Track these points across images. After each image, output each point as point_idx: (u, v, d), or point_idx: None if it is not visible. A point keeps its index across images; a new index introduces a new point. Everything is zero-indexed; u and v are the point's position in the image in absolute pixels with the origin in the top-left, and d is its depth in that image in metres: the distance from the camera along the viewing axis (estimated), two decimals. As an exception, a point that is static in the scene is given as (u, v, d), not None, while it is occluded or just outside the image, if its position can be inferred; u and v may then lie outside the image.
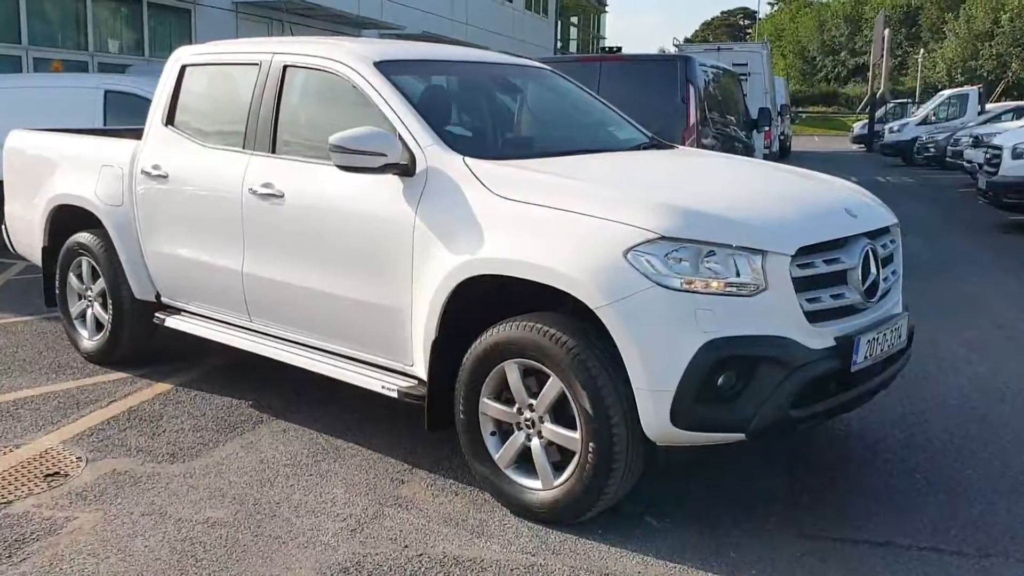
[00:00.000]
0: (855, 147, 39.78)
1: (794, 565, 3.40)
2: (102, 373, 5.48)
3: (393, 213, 3.96)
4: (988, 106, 27.84)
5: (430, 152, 3.95)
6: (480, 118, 4.71)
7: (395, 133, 4.02)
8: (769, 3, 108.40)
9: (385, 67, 4.29)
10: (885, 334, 3.74)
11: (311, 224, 4.32)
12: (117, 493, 3.92)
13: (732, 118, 11.39)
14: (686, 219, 3.38)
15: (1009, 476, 4.20)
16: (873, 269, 3.72)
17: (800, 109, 68.63)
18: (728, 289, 3.33)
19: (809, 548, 3.52)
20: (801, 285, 3.44)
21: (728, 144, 10.90)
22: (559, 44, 37.52)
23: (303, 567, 3.35)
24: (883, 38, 50.75)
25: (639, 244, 3.34)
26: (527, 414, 3.67)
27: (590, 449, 3.46)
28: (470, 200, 3.78)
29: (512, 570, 3.33)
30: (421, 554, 3.44)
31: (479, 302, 3.79)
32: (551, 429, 3.60)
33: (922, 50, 59.39)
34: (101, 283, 5.48)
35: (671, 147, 5.06)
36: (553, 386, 3.54)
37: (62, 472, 4.12)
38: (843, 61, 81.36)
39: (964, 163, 17.10)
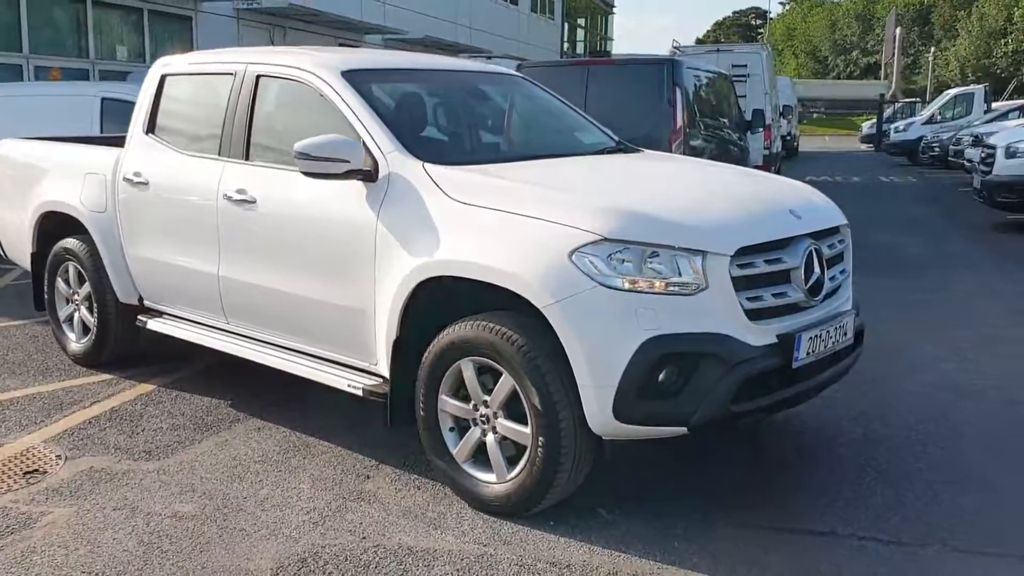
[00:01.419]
0: (864, 147, 39.77)
1: (735, 554, 3.52)
2: (88, 375, 5.65)
3: (356, 218, 4.11)
4: (996, 104, 27.80)
5: (392, 158, 4.10)
6: (445, 125, 4.85)
7: (359, 140, 4.17)
8: (780, 3, 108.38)
9: (351, 76, 4.44)
10: (829, 331, 3.86)
11: (281, 229, 4.47)
12: (92, 489, 4.07)
13: (725, 120, 11.49)
14: (628, 221, 3.51)
15: (958, 470, 4.31)
16: (817, 269, 3.84)
17: (811, 109, 68.58)
18: (669, 288, 3.46)
19: (751, 537, 3.65)
20: (741, 284, 3.56)
21: (720, 146, 11.02)
22: (566, 46, 37.64)
23: (263, 557, 3.49)
24: (895, 37, 50.58)
25: (583, 246, 3.47)
26: (482, 410, 3.80)
27: (539, 444, 3.59)
28: (428, 205, 3.92)
29: (463, 559, 3.47)
30: (377, 545, 3.58)
31: (441, 303, 3.92)
32: (504, 424, 3.73)
33: (934, 48, 59.23)
34: (87, 287, 5.65)
35: (636, 151, 5.18)
36: (505, 383, 3.67)
37: (41, 469, 4.28)
38: (855, 60, 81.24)
39: (965, 162, 17.14)
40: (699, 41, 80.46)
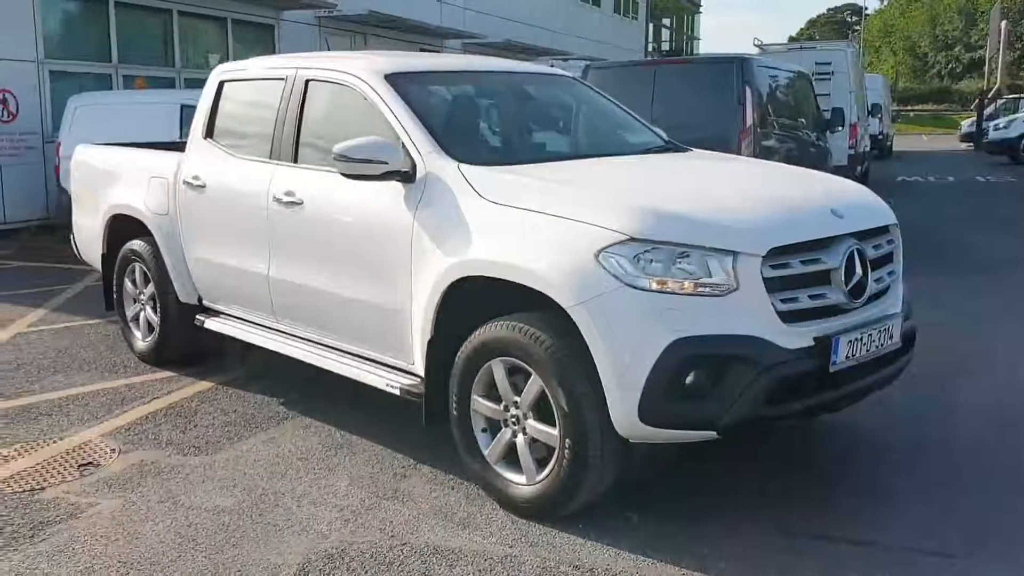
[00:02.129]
0: (963, 145, 38.37)
1: (766, 561, 3.43)
2: (151, 372, 5.83)
3: (395, 218, 4.15)
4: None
5: (429, 159, 4.12)
6: (486, 126, 4.86)
7: (399, 141, 4.21)
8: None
9: (394, 79, 4.48)
10: (871, 335, 3.73)
11: (326, 229, 4.54)
12: (140, 482, 4.20)
13: (802, 120, 11.24)
14: (656, 221, 3.46)
15: (1018, 478, 4.12)
16: (859, 270, 3.71)
17: (908, 108, 66.52)
18: (698, 290, 3.40)
19: (786, 545, 3.55)
20: (774, 285, 3.47)
21: (797, 146, 10.78)
22: (651, 47, 37.34)
23: (293, 552, 3.55)
24: (1000, 30, 48.70)
25: (609, 245, 3.43)
26: (513, 411, 3.80)
27: (566, 446, 3.56)
28: (461, 205, 3.93)
29: (486, 560, 3.46)
30: (405, 543, 3.60)
31: (475, 303, 3.93)
32: (533, 426, 3.72)
33: (1042, 42, 56.76)
34: (151, 287, 5.84)
35: (686, 150, 5.10)
36: (534, 384, 3.66)
37: (95, 462, 4.44)
38: (957, 56, 78.44)
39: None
40: (791, 39, 78.85)
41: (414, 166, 4.14)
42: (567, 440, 3.55)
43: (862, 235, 3.83)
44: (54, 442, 4.68)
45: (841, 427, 4.76)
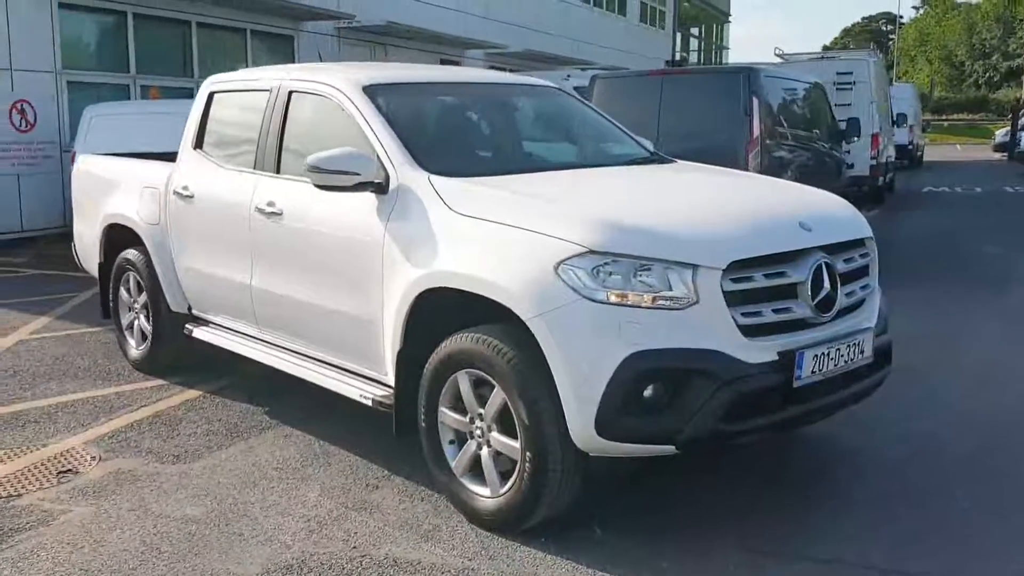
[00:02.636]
0: (996, 156, 37.83)
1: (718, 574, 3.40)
2: (143, 380, 5.89)
3: (368, 228, 4.16)
4: None
5: (402, 171, 4.13)
6: (461, 137, 4.85)
7: (373, 152, 4.23)
8: (914, 7, 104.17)
9: (371, 90, 4.50)
10: (840, 349, 3.68)
11: (304, 240, 4.57)
12: (115, 490, 4.23)
13: (816, 131, 11.14)
14: (616, 234, 3.44)
15: (1006, 502, 4.04)
16: (826, 284, 3.66)
17: (943, 117, 65.73)
18: (657, 303, 3.37)
19: (745, 561, 3.51)
20: (735, 299, 3.43)
21: (810, 156, 10.69)
22: (678, 56, 37.21)
23: (253, 562, 3.55)
24: (1039, 38, 47.95)
25: (569, 258, 3.42)
26: (478, 423, 3.78)
27: (527, 458, 3.54)
28: (431, 216, 3.94)
29: (443, 573, 3.45)
30: (365, 555, 3.60)
31: (443, 315, 3.92)
32: (497, 438, 3.70)
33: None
34: (144, 296, 5.89)
35: (669, 162, 5.07)
36: (497, 396, 3.64)
37: (74, 469, 4.48)
38: (995, 65, 77.40)
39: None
40: (825, 48, 78.26)
41: (387, 177, 4.15)
42: (528, 453, 3.54)
43: (832, 248, 3.78)
44: (37, 449, 4.73)
45: (810, 440, 4.72)
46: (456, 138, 4.77)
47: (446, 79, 5.21)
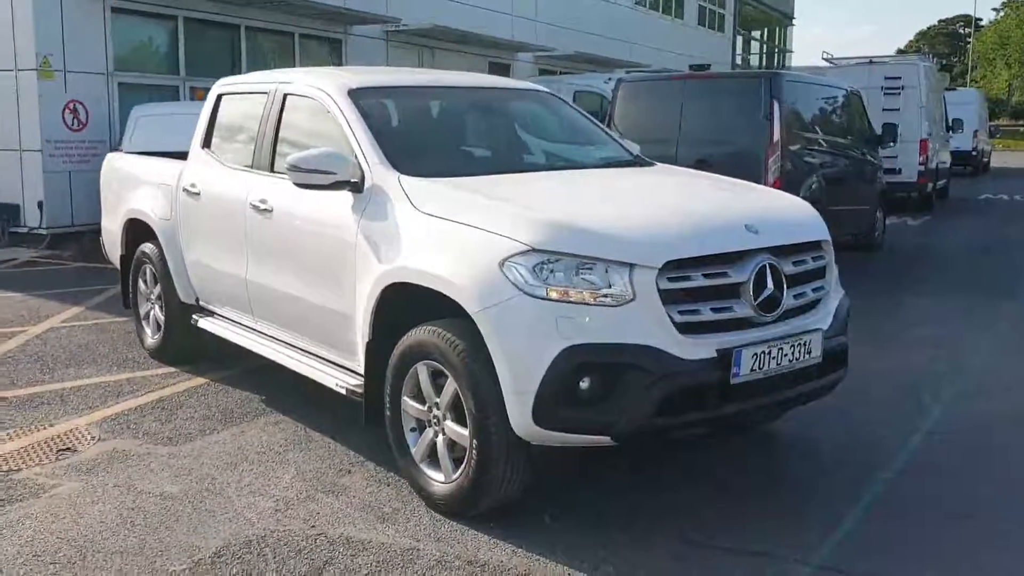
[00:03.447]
0: (1071, 163, 36.74)
1: (656, 567, 3.52)
2: (156, 368, 6.19)
3: (344, 225, 4.37)
4: None
5: (375, 170, 4.34)
6: (437, 139, 5.03)
7: (353, 153, 4.44)
8: (994, 8, 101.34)
9: (356, 94, 4.71)
10: (783, 349, 3.77)
11: (290, 236, 4.81)
12: (106, 468, 4.51)
13: (849, 136, 11.09)
14: (557, 233, 3.59)
15: (951, 505, 4.09)
16: (770, 284, 3.76)
17: (1021, 123, 63.88)
18: (595, 299, 3.51)
19: (681, 552, 3.63)
20: (671, 297, 3.56)
21: (840, 161, 10.66)
22: (739, 59, 36.91)
23: (216, 537, 3.78)
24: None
25: (512, 255, 3.58)
26: (435, 412, 3.97)
27: (474, 446, 3.71)
28: (397, 214, 4.13)
29: (388, 552, 3.64)
30: (321, 534, 3.80)
31: (408, 308, 4.11)
32: (450, 427, 3.88)
33: None
34: (158, 288, 6.20)
35: (649, 165, 5.19)
36: (450, 386, 3.82)
37: (73, 448, 4.77)
38: (1080, 68, 74.94)
39: None
40: (899, 51, 76.68)
41: (363, 177, 4.35)
42: (475, 441, 3.71)
43: (779, 250, 3.87)
44: (44, 428, 5.04)
45: (774, 438, 4.79)
46: (431, 140, 4.96)
47: (432, 83, 5.40)
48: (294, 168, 4.35)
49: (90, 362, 6.32)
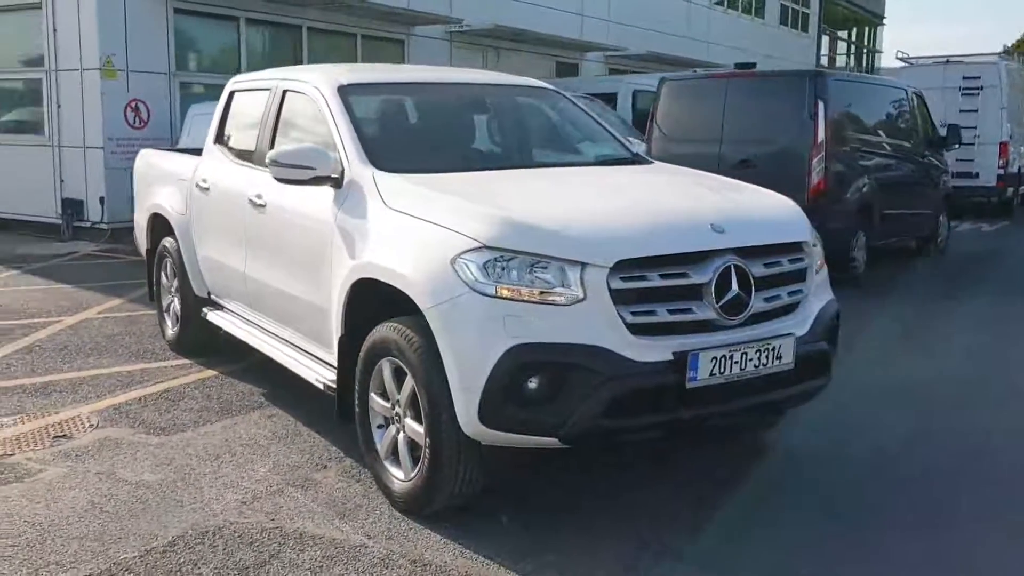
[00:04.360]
0: None
1: (597, 571, 3.43)
2: (172, 359, 6.32)
3: (324, 220, 4.38)
4: None
5: (354, 166, 4.34)
6: (419, 135, 5.01)
7: (336, 148, 4.46)
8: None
9: (345, 90, 4.73)
10: (747, 353, 3.63)
11: (280, 230, 4.85)
12: (94, 455, 4.61)
13: (908, 137, 10.70)
14: (509, 231, 3.53)
15: (914, 514, 3.91)
16: (734, 286, 3.62)
17: None
18: (544, 298, 3.44)
19: (627, 553, 3.55)
20: (624, 297, 3.46)
21: (898, 163, 10.30)
22: (824, 59, 36.00)
23: (176, 527, 3.82)
24: None
25: (464, 252, 3.53)
26: (396, 409, 3.94)
27: (427, 444, 3.68)
28: (368, 210, 4.13)
29: (336, 548, 3.63)
30: (278, 527, 3.81)
31: (380, 304, 4.09)
32: (409, 424, 3.85)
33: None
34: (176, 281, 6.33)
35: (646, 163, 5.08)
36: (409, 383, 3.79)
37: (68, 435, 4.89)
38: None
39: None
40: (1005, 50, 73.92)
41: (343, 172, 4.36)
42: (428, 439, 3.67)
43: (749, 251, 3.73)
44: (48, 415, 5.19)
45: (757, 447, 4.63)
46: (414, 136, 4.94)
47: (425, 80, 5.37)
48: (274, 163, 4.39)
49: (111, 352, 6.49)
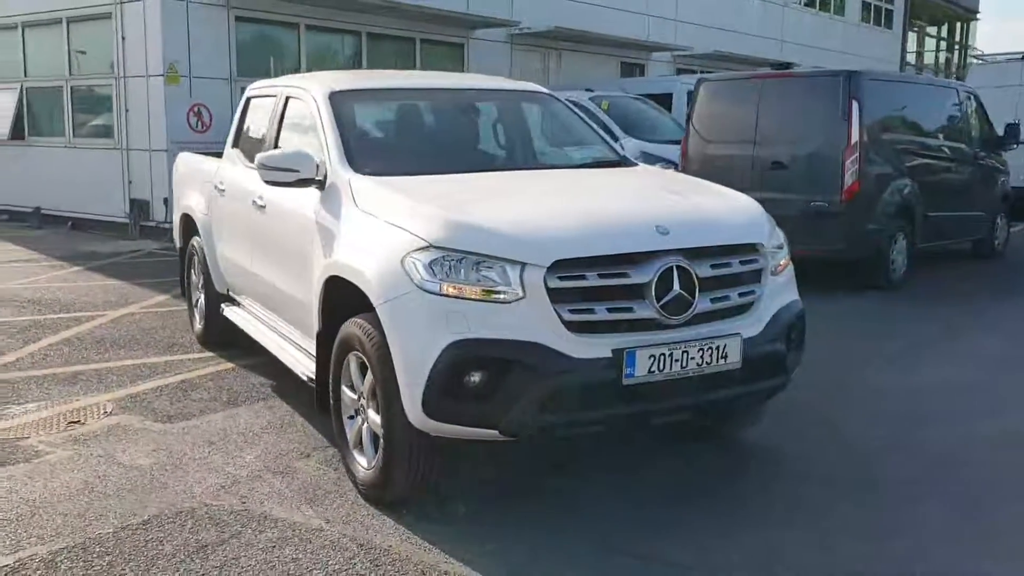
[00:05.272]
0: None
1: (534, 565, 3.55)
2: (197, 352, 6.65)
3: (308, 221, 4.61)
4: None
5: (335, 169, 4.55)
6: (400, 139, 5.19)
7: (322, 152, 4.69)
8: None
9: (336, 96, 4.95)
10: (688, 352, 3.70)
11: (276, 229, 5.10)
12: (101, 440, 4.92)
13: (963, 140, 10.46)
14: (453, 230, 3.68)
15: (884, 521, 3.91)
16: (676, 286, 3.69)
17: None
18: (486, 296, 3.58)
19: (588, 555, 3.64)
20: (562, 296, 3.57)
21: (945, 164, 10.09)
22: (912, 57, 35.03)
23: (153, 506, 4.08)
24: None
25: (412, 251, 3.70)
26: (361, 401, 4.13)
27: (382, 435, 3.86)
28: (342, 211, 4.33)
29: (293, 531, 3.83)
30: (246, 510, 4.04)
31: (351, 300, 4.28)
32: (371, 415, 4.04)
33: None
34: (202, 278, 6.66)
35: (631, 165, 5.17)
36: (370, 376, 3.98)
37: (81, 421, 5.23)
38: None
39: None
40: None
41: (327, 175, 4.58)
42: (383, 429, 3.85)
43: (696, 252, 3.80)
44: (69, 402, 5.54)
45: (731, 446, 4.67)
46: (395, 140, 5.13)
47: (419, 85, 5.56)
48: (262, 166, 4.63)
49: (143, 345, 6.85)
